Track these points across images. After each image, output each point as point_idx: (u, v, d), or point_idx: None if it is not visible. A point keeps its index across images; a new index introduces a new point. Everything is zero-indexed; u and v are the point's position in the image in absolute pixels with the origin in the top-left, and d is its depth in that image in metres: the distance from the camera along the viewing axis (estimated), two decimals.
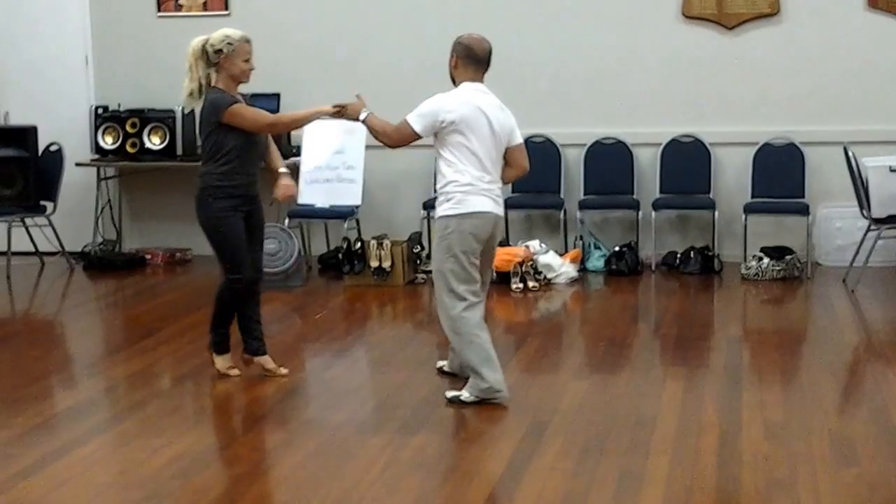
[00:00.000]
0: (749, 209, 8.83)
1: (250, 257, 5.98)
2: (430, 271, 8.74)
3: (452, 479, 4.65)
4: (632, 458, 4.84)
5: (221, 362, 6.13)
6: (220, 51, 5.82)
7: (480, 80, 5.71)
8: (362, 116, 5.73)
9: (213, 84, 5.87)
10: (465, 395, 5.60)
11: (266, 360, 6.14)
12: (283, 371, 6.14)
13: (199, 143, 6.15)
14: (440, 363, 6.15)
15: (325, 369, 6.62)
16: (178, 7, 9.74)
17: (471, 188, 5.56)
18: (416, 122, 5.61)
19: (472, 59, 5.66)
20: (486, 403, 5.57)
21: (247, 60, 5.86)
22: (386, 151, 9.22)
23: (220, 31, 5.90)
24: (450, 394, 5.68)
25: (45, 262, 9.53)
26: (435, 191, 5.79)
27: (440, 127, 5.58)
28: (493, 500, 4.48)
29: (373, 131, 5.79)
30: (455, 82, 5.72)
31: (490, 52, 5.70)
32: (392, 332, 7.67)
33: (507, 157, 5.75)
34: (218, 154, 5.85)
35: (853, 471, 4.67)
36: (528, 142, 9.16)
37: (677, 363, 6.45)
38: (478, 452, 4.95)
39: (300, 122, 6.19)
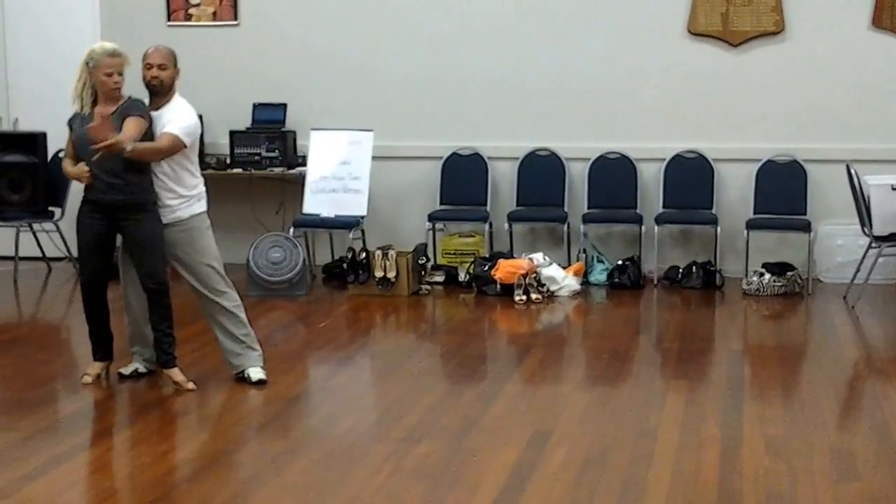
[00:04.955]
0: (751, 225, 8.87)
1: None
2: (435, 282, 8.87)
3: (456, 488, 4.69)
4: (634, 469, 4.88)
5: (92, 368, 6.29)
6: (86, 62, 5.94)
7: None
8: (129, 148, 5.72)
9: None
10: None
11: (174, 373, 6.13)
12: (191, 386, 6.09)
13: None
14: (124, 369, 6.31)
15: (329, 378, 6.66)
16: (188, 17, 9.79)
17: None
18: (186, 138, 5.91)
19: None
20: (491, 413, 5.64)
21: (109, 74, 5.88)
22: (392, 163, 9.41)
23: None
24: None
25: (52, 267, 9.58)
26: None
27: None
28: None
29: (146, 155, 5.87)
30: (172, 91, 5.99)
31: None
32: (396, 341, 7.71)
33: None
34: None
35: (854, 486, 4.71)
36: (534, 155, 9.34)
37: (679, 376, 6.49)
38: (481, 462, 4.99)
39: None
